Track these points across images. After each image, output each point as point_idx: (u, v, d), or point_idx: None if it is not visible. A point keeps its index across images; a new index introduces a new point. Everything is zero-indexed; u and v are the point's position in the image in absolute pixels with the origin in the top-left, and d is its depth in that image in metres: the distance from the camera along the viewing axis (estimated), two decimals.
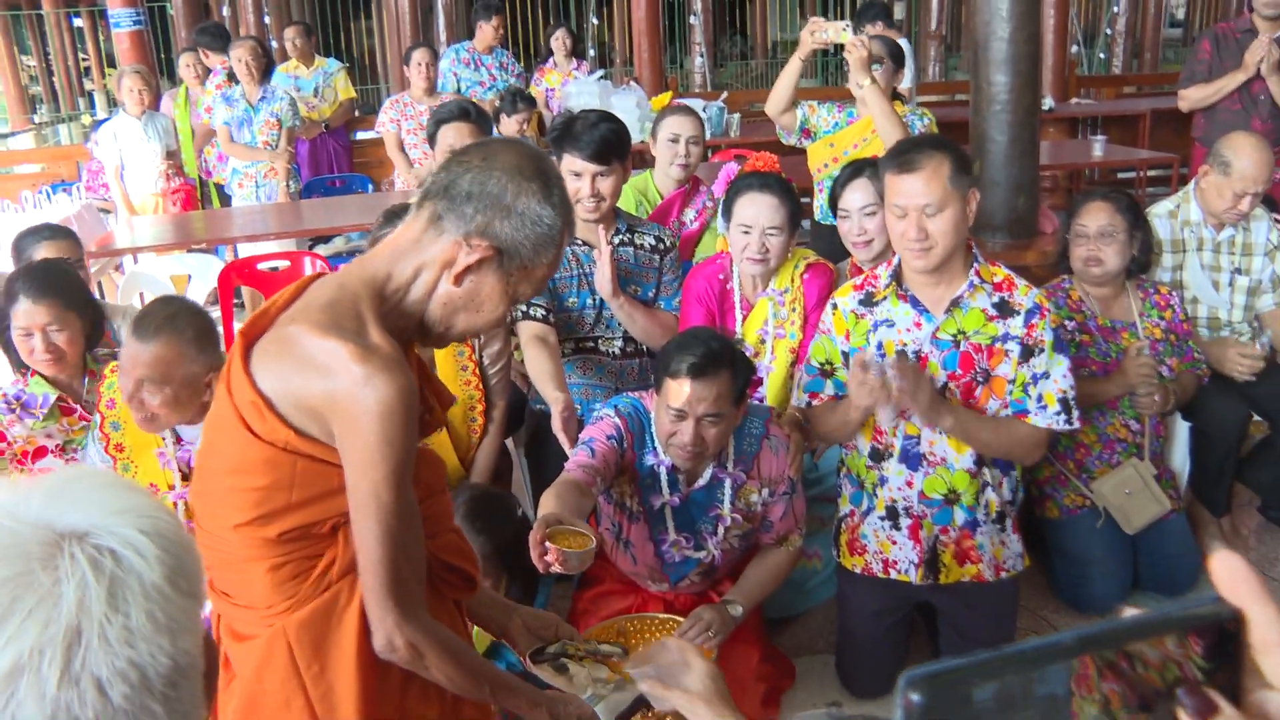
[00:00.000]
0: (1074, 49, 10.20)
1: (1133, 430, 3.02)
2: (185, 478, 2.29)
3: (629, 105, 6.67)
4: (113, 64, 13.46)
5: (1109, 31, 11.91)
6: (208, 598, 1.47)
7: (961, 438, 2.45)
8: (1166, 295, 3.10)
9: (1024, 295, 2.48)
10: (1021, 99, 3.71)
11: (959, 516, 2.51)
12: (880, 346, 2.47)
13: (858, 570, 2.59)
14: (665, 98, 4.53)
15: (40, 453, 2.47)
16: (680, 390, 2.28)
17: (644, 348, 3.09)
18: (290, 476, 1.38)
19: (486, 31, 6.72)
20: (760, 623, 2.67)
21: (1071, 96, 8.15)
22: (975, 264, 2.44)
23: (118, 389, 2.32)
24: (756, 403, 2.85)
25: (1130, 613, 0.50)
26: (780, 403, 2.88)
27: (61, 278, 2.46)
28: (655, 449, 2.45)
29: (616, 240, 3.02)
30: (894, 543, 2.55)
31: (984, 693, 0.47)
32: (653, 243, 3.06)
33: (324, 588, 1.44)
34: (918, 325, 2.47)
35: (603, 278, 2.88)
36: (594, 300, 3.04)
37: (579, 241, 3.03)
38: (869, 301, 2.53)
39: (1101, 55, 12.05)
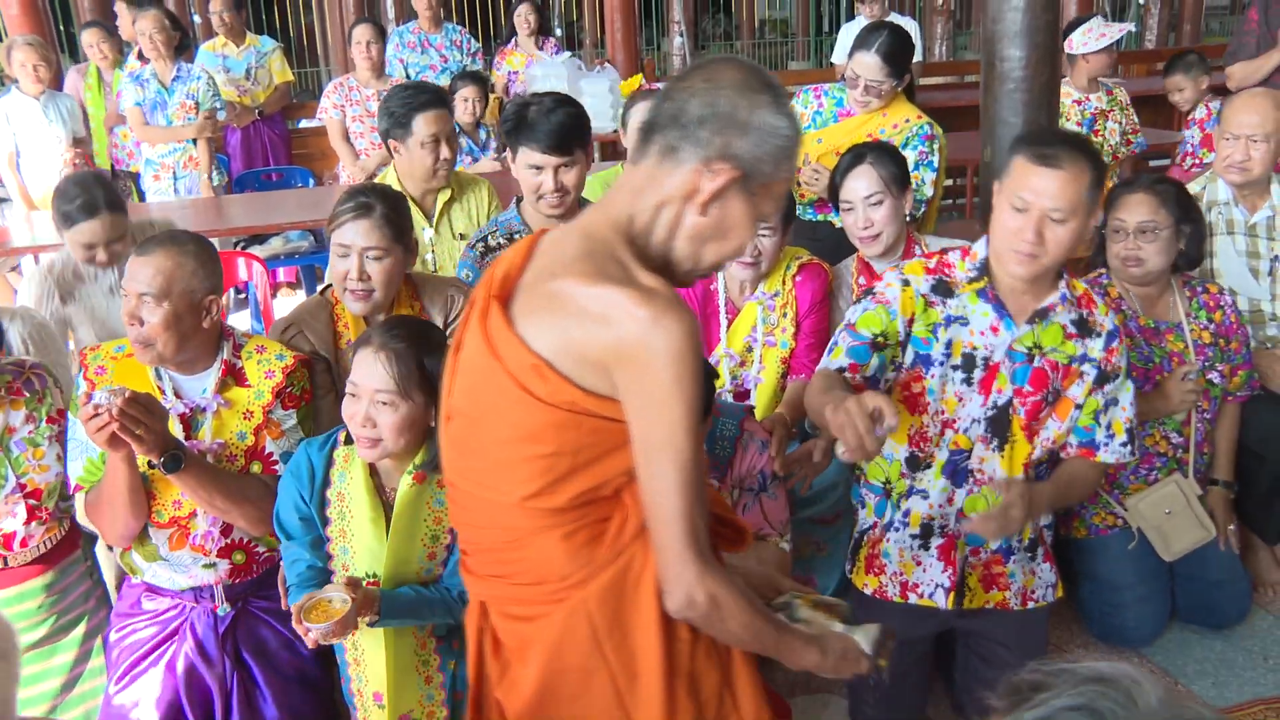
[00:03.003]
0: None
1: (1174, 444, 3.04)
2: (187, 434, 2.41)
3: (601, 90, 6.71)
4: None
5: (1141, 1, 12.03)
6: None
7: (1050, 510, 2.56)
8: (1217, 295, 3.12)
9: (1104, 315, 2.53)
10: (1038, 75, 3.74)
11: (993, 540, 2.54)
12: (949, 346, 2.48)
13: (869, 591, 2.60)
14: (635, 81, 4.54)
15: None
16: None
17: None
18: (576, 439, 1.48)
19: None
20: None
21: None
22: (1064, 275, 2.46)
23: (104, 355, 2.46)
24: (727, 400, 2.87)
25: None
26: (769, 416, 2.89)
27: None
28: None
29: None
30: (919, 564, 2.56)
31: None
32: None
33: (618, 552, 1.54)
34: (994, 331, 2.47)
35: None
36: None
37: None
38: (943, 290, 2.51)
39: (1133, 28, 12.19)
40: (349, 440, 2.29)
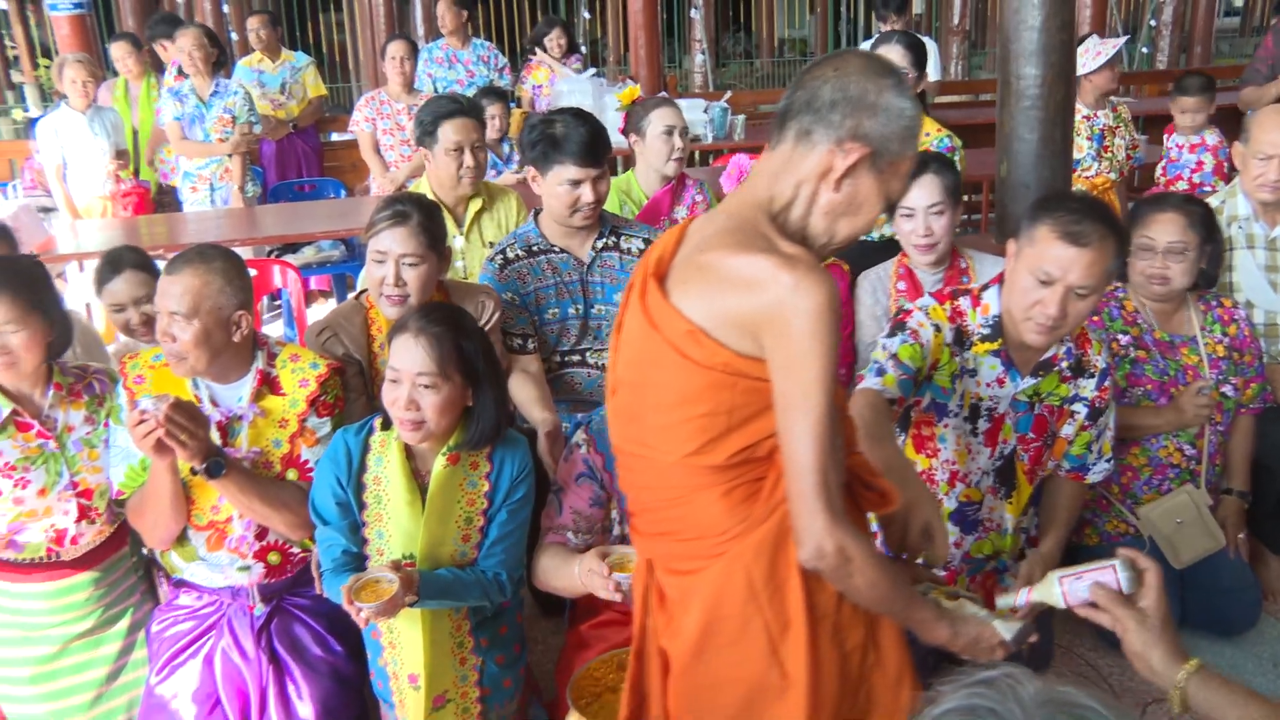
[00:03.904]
0: None
1: (1187, 456, 3.04)
2: (224, 442, 2.43)
3: None
4: (46, 54, 13.41)
5: (1154, 22, 11.98)
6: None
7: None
8: (1231, 309, 3.12)
9: (1097, 355, 2.56)
10: (1053, 93, 3.76)
11: (990, 565, 2.59)
12: (961, 397, 2.50)
13: None
14: (633, 91, 4.56)
15: None
16: None
17: None
18: (730, 399, 1.59)
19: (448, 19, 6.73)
20: None
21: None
22: None
23: (143, 364, 2.48)
24: None
25: None
26: None
27: (22, 274, 2.47)
28: None
29: (600, 245, 3.08)
30: None
31: None
32: (641, 246, 3.12)
33: (772, 509, 1.64)
34: (1000, 383, 2.49)
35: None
36: (577, 310, 3.10)
37: (557, 249, 3.10)
38: (960, 340, 2.52)
39: (1144, 49, 12.14)
40: (385, 426, 2.33)
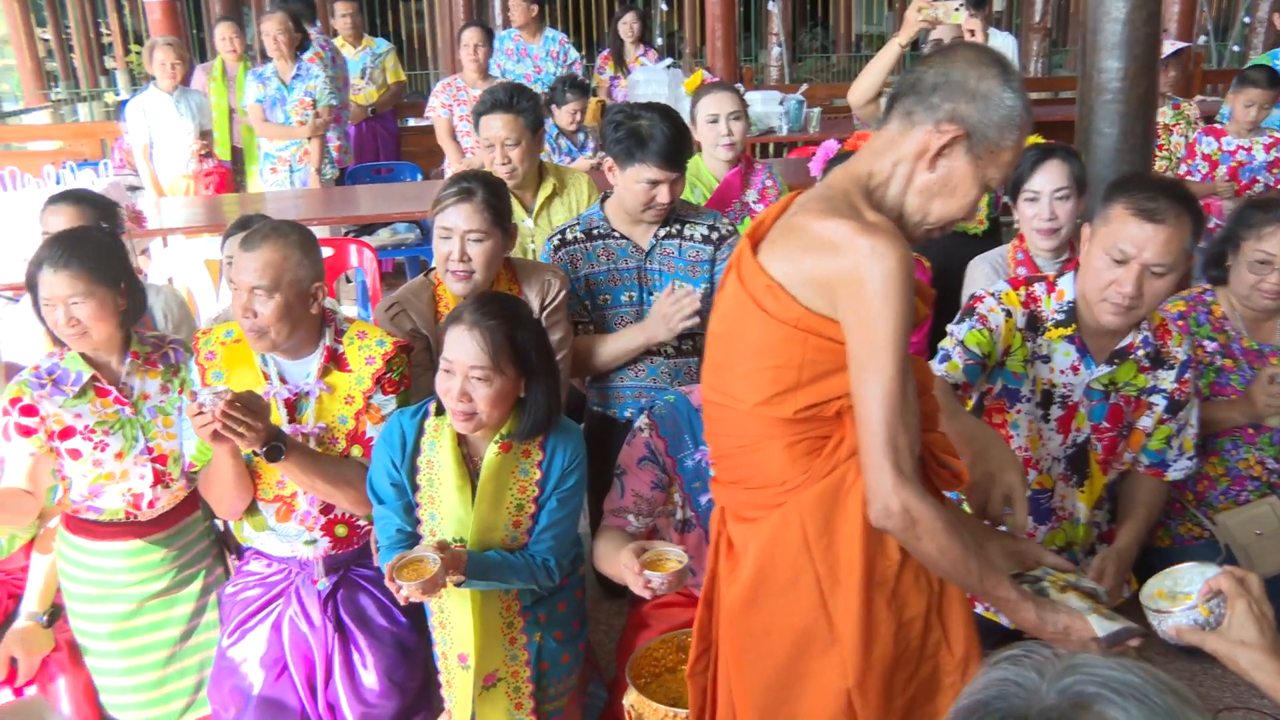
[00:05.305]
0: (1201, 39, 10.01)
1: (1270, 469, 2.95)
2: (291, 418, 2.46)
3: None
4: (138, 40, 13.74)
5: (1248, 20, 11.62)
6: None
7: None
8: None
9: (1178, 346, 2.50)
10: (1135, 87, 3.67)
11: (1063, 557, 2.54)
12: (1034, 383, 2.47)
13: None
14: (697, 77, 4.51)
15: (68, 433, 2.54)
16: None
17: (702, 344, 3.12)
18: (801, 354, 1.66)
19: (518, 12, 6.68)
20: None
21: (1195, 94, 8.04)
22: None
23: (214, 340, 2.52)
24: None
25: None
26: None
27: (90, 247, 2.52)
28: (700, 445, 2.52)
29: (662, 233, 3.08)
30: None
31: None
32: (705, 233, 3.11)
33: (833, 466, 1.70)
34: (1074, 370, 2.45)
35: None
36: (630, 297, 3.11)
37: (617, 235, 3.10)
38: (1034, 325, 2.49)
39: (1235, 48, 11.79)
40: (439, 411, 2.34)
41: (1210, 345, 2.91)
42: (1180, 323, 2.88)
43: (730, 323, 1.78)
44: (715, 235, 3.10)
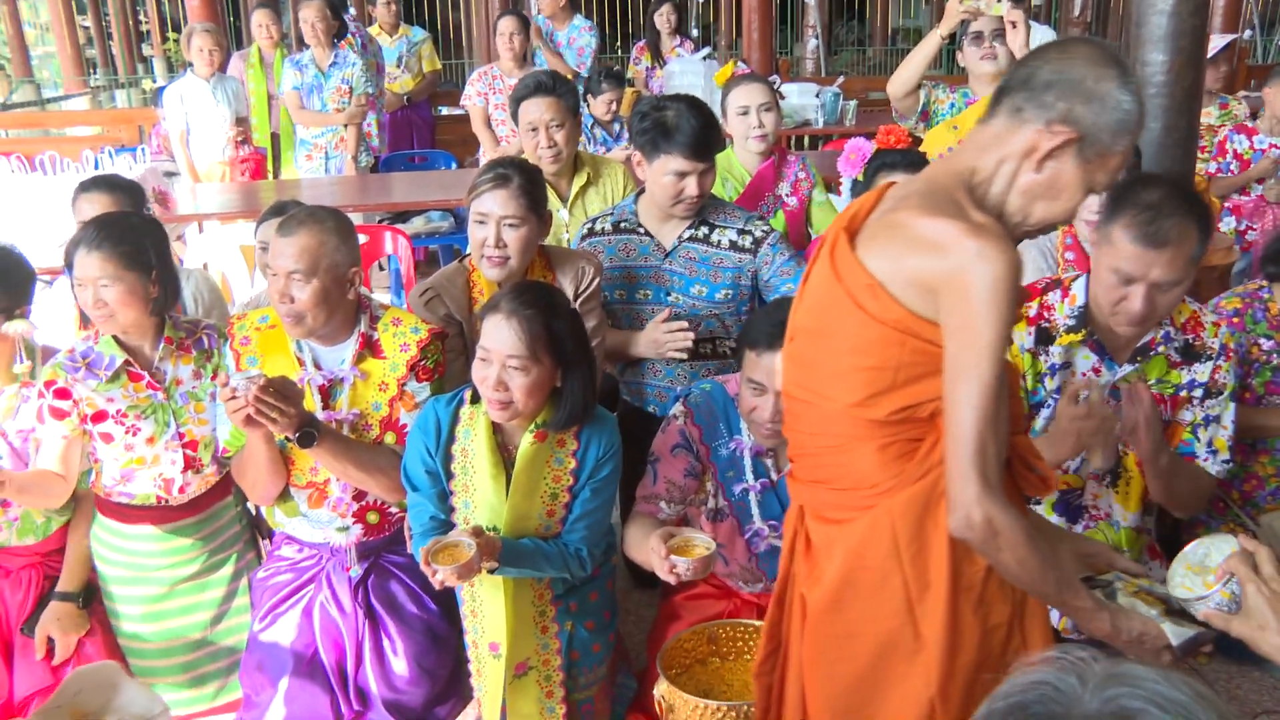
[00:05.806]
0: (1247, 34, 9.85)
1: None
2: (325, 404, 2.47)
3: None
4: (175, 28, 13.82)
5: None
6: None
7: (1166, 488, 2.44)
8: None
9: (1212, 336, 2.45)
10: (1181, 80, 3.59)
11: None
12: (1058, 391, 2.44)
13: None
14: (728, 69, 4.49)
15: (100, 416, 2.56)
16: (758, 363, 2.36)
17: (721, 348, 3.09)
18: (898, 356, 1.61)
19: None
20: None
21: (1239, 89, 7.91)
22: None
23: (249, 326, 2.51)
24: None
25: None
26: None
27: (125, 231, 2.53)
28: (735, 434, 2.52)
29: (686, 235, 3.04)
30: None
31: None
32: (734, 238, 3.05)
33: (926, 470, 1.66)
34: (1096, 372, 2.43)
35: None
36: (645, 295, 3.08)
37: (642, 231, 3.07)
38: (1045, 339, 2.47)
39: None
40: (475, 399, 2.33)
41: (1267, 344, 2.85)
42: (1235, 320, 2.83)
43: (821, 317, 1.72)
44: (748, 240, 3.04)
